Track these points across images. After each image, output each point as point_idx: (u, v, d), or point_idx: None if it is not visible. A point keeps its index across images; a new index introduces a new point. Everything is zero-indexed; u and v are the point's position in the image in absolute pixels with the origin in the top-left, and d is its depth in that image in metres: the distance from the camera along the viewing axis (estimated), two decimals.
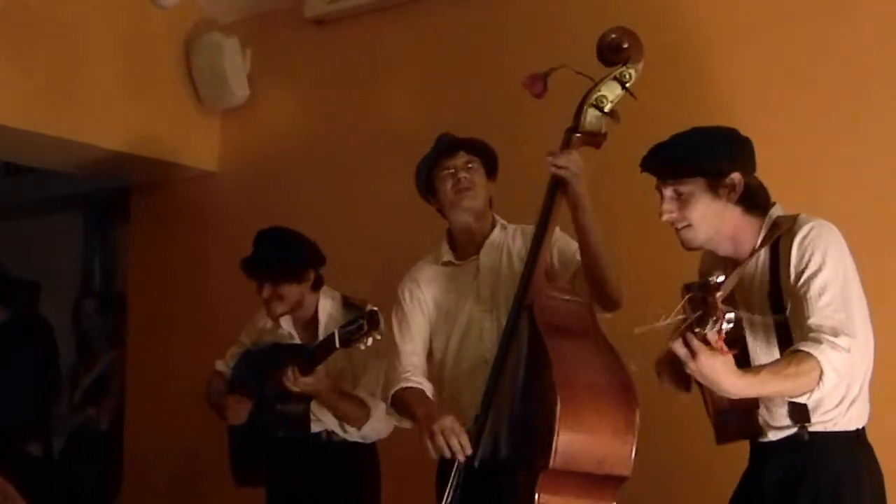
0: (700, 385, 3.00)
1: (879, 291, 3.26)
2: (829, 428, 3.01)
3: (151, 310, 6.45)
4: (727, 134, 3.19)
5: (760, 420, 3.09)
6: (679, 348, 2.71)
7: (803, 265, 2.95)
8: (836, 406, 2.99)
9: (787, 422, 3.04)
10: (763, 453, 3.13)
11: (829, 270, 2.93)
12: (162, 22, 6.01)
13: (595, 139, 3.46)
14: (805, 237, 2.98)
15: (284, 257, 4.36)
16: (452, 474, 3.41)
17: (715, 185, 3.09)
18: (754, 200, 3.13)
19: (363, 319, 3.82)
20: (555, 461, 3.04)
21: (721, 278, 2.62)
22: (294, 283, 4.35)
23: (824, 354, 2.82)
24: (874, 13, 4.17)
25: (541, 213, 3.47)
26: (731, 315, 2.62)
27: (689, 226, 3.12)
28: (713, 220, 3.11)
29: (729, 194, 3.09)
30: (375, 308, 3.84)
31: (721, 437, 3.18)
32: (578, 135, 3.44)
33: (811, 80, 4.26)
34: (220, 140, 6.25)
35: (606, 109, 3.42)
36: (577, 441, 3.06)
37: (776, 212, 3.14)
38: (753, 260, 3.10)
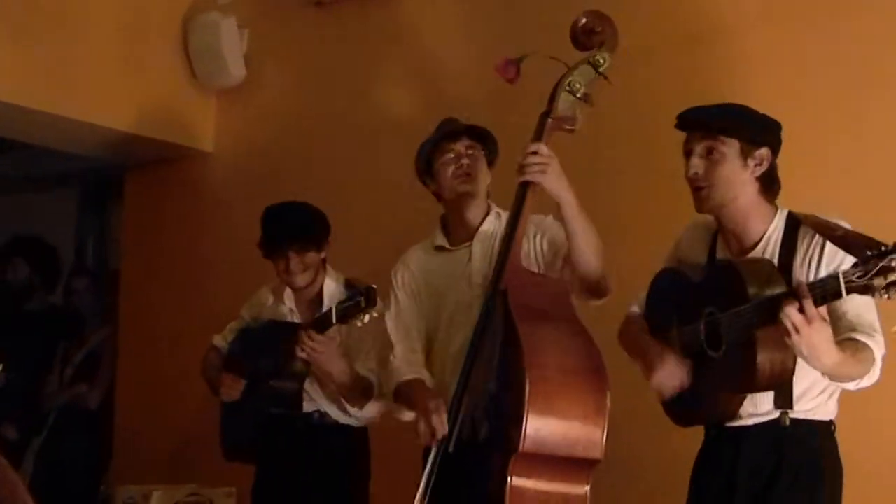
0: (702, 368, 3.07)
1: None
2: (809, 416, 3.06)
3: (144, 288, 6.46)
4: (764, 114, 3.22)
5: (740, 406, 3.11)
6: (794, 316, 2.72)
7: (838, 261, 2.95)
8: (820, 394, 3.06)
9: (769, 408, 3.07)
10: (736, 437, 3.15)
11: None
12: (160, 0, 6.01)
13: (568, 123, 3.47)
14: None
15: (309, 225, 4.38)
16: (431, 457, 3.44)
17: (747, 151, 3.13)
18: (771, 184, 3.17)
19: (361, 296, 3.83)
20: (525, 445, 3.07)
21: None
22: (317, 250, 4.37)
23: (878, 348, 2.93)
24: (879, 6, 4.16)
25: (515, 200, 3.49)
26: None
27: (709, 187, 3.14)
28: (734, 186, 3.13)
29: (755, 167, 3.13)
30: (374, 286, 3.84)
31: (682, 418, 3.24)
32: (552, 120, 3.46)
33: (823, 69, 4.24)
34: (216, 120, 6.26)
35: (580, 94, 3.44)
36: (546, 425, 3.08)
37: (784, 208, 3.17)
38: (762, 245, 3.13)
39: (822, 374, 2.93)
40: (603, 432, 3.11)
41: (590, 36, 3.43)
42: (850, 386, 2.99)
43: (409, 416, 3.75)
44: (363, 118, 5.61)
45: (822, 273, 2.97)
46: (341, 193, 5.46)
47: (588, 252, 3.44)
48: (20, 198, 7.92)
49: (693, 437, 3.30)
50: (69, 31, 5.61)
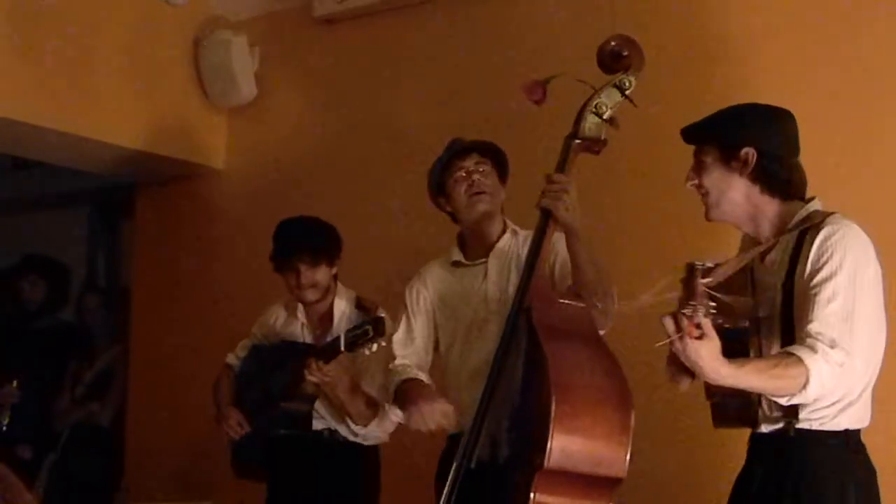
0: None
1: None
2: (816, 426, 2.98)
3: (155, 306, 6.46)
4: (760, 110, 3.21)
5: (759, 411, 3.07)
6: (668, 324, 2.71)
7: (819, 265, 2.93)
8: (830, 406, 2.96)
9: (779, 414, 3.02)
10: (756, 445, 3.13)
11: (843, 277, 2.90)
12: (171, 19, 6.03)
13: (594, 146, 3.50)
14: (828, 237, 2.95)
15: (321, 239, 4.40)
16: (451, 474, 3.44)
17: (728, 156, 3.11)
18: (773, 181, 3.12)
19: (369, 325, 3.85)
20: (550, 461, 3.07)
21: (710, 264, 2.63)
22: (329, 265, 4.39)
23: (816, 365, 2.81)
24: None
25: (539, 220, 3.51)
26: (712, 304, 2.63)
27: (706, 193, 3.16)
28: (728, 191, 3.12)
29: (741, 168, 3.10)
30: (383, 315, 3.86)
31: (718, 419, 3.19)
32: (578, 141, 3.49)
33: (831, 82, 4.27)
34: (227, 138, 6.27)
35: (606, 116, 3.47)
36: (572, 442, 3.09)
37: (815, 206, 3.12)
38: (780, 246, 3.08)
39: None
40: (627, 451, 3.12)
41: (617, 59, 3.46)
42: (782, 401, 2.92)
43: (401, 415, 3.84)
44: (374, 135, 5.62)
45: (808, 272, 2.95)
46: (352, 210, 5.47)
47: (591, 284, 3.48)
48: (32, 216, 7.92)
49: (715, 455, 3.31)
50: (80, 49, 5.62)
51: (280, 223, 4.49)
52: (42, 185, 7.55)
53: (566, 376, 3.14)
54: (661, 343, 2.72)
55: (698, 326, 2.69)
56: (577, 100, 3.52)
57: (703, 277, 2.62)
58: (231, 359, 4.73)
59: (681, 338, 2.70)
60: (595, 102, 3.47)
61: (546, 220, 3.47)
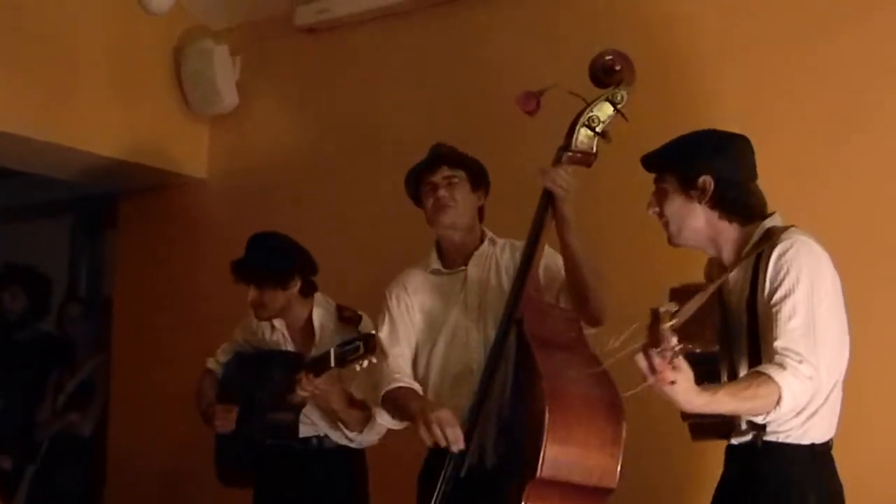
0: None
1: (868, 297, 3.28)
2: (782, 439, 3.01)
3: (137, 316, 6.45)
4: (716, 138, 3.24)
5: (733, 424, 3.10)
6: (641, 362, 2.70)
7: (777, 283, 2.97)
8: (793, 418, 2.99)
9: (748, 427, 3.05)
10: (729, 456, 3.17)
11: (802, 293, 2.94)
12: (152, 28, 6.00)
13: (586, 158, 3.53)
14: (782, 255, 2.99)
15: (270, 263, 4.39)
16: (440, 484, 3.43)
17: (686, 185, 3.16)
18: (731, 207, 3.15)
19: (360, 342, 3.83)
20: (542, 471, 3.10)
21: (673, 308, 2.63)
22: (278, 289, 4.38)
23: (786, 381, 2.84)
24: (863, 30, 4.21)
25: (532, 227, 3.53)
26: (678, 346, 2.62)
27: (668, 222, 3.21)
28: (687, 219, 3.18)
29: (700, 196, 3.14)
30: (374, 332, 3.84)
31: (695, 434, 3.20)
32: (570, 153, 3.51)
33: (801, 96, 4.30)
34: (209, 147, 6.26)
35: (598, 130, 3.49)
36: (565, 452, 3.11)
37: (772, 222, 3.15)
38: (742, 266, 3.11)
39: None
40: (618, 462, 3.16)
41: (609, 74, 3.48)
42: (758, 419, 2.96)
43: (397, 424, 3.80)
44: (356, 144, 5.62)
45: (766, 290, 2.98)
46: (334, 219, 5.50)
47: (591, 278, 3.49)
48: (13, 226, 7.87)
49: (705, 466, 3.32)
50: (62, 58, 5.60)
51: (251, 237, 4.51)
52: (23, 195, 7.52)
53: (559, 387, 3.16)
54: (632, 392, 2.74)
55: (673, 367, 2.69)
56: (560, 111, 3.53)
57: (669, 320, 2.62)
58: (212, 363, 4.73)
59: (653, 374, 2.69)
60: (588, 116, 3.49)
61: (543, 215, 3.49)
